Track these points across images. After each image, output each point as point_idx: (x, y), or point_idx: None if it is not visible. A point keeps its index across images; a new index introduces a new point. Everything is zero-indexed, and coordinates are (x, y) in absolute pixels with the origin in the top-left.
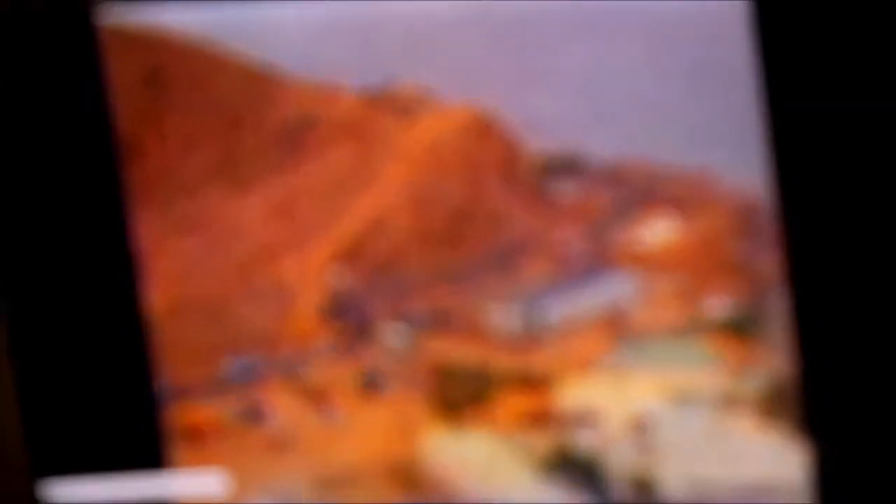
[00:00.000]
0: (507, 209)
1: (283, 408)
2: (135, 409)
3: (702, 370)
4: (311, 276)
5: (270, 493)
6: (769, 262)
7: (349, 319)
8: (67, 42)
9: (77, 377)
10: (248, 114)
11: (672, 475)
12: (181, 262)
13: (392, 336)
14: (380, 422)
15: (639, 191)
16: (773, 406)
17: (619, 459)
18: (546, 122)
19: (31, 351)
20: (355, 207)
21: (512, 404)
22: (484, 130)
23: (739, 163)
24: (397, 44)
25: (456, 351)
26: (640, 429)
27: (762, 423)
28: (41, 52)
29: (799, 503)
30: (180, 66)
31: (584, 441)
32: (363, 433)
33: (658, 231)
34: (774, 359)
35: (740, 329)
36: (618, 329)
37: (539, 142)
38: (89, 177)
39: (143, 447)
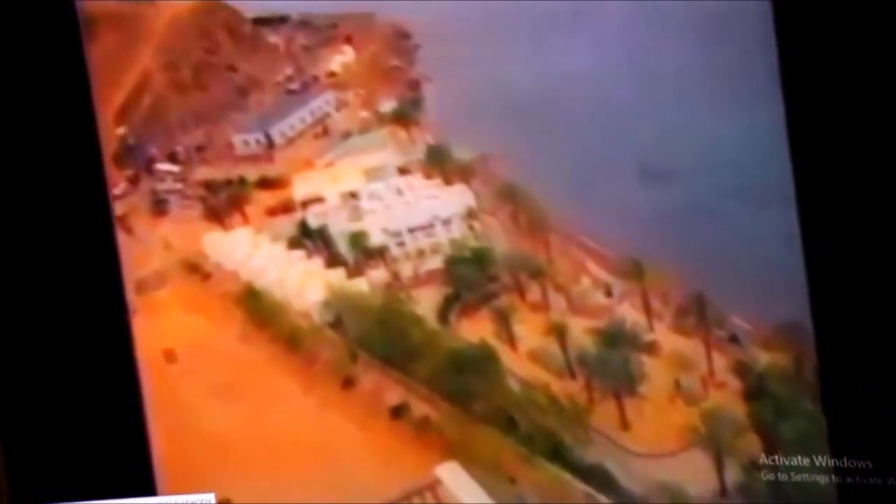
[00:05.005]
0: (237, 60)
1: None
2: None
3: (384, 151)
4: (107, 134)
5: None
6: (417, 70)
7: (136, 160)
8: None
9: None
10: None
11: (373, 228)
12: None
13: (168, 168)
14: (170, 232)
15: (323, 34)
16: (432, 163)
17: (340, 225)
18: None
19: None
20: (127, 78)
21: (262, 202)
22: (211, 5)
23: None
24: None
25: (216, 171)
26: (350, 200)
27: (427, 179)
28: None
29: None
30: None
31: (315, 218)
32: (159, 242)
33: (341, 60)
34: (429, 135)
35: (404, 118)
36: (327, 135)
37: (252, 8)
38: None
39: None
